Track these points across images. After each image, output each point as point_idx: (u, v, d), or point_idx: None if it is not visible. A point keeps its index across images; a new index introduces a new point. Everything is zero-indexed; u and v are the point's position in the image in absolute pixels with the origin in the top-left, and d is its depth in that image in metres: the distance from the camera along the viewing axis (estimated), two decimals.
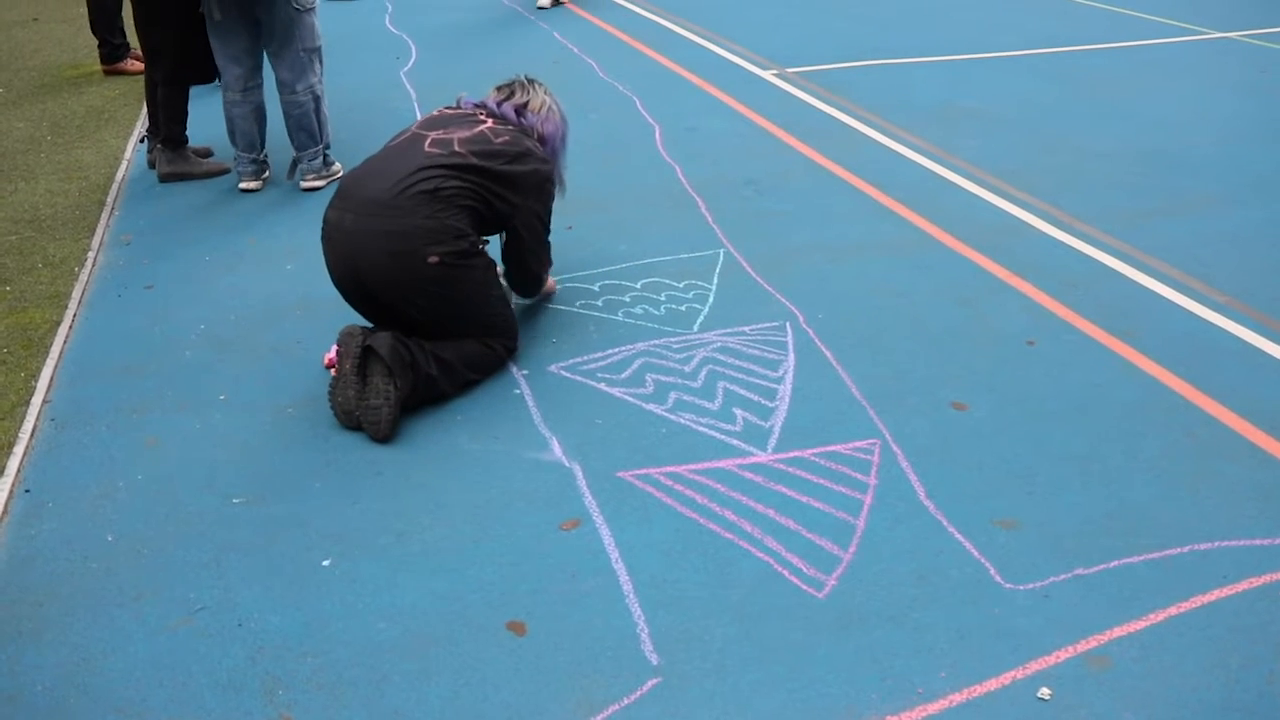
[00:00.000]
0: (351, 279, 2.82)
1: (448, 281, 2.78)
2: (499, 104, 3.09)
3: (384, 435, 2.64)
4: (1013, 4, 7.62)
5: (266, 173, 4.40)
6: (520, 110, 3.08)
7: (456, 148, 2.85)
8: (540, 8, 7.52)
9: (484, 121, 2.98)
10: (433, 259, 2.72)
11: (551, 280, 3.36)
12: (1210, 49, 6.32)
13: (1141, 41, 6.46)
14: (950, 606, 2.09)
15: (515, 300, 3.20)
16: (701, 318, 3.23)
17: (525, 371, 2.95)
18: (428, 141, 2.87)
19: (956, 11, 7.36)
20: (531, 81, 3.18)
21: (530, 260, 3.06)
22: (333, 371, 2.85)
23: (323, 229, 2.87)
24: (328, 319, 3.17)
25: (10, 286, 3.57)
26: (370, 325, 2.91)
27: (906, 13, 7.33)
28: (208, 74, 4.34)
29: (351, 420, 2.67)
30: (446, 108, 3.11)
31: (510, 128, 3.00)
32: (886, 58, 6.12)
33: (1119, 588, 2.14)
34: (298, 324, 3.24)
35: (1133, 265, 3.50)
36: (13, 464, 2.60)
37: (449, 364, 2.79)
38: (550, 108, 3.14)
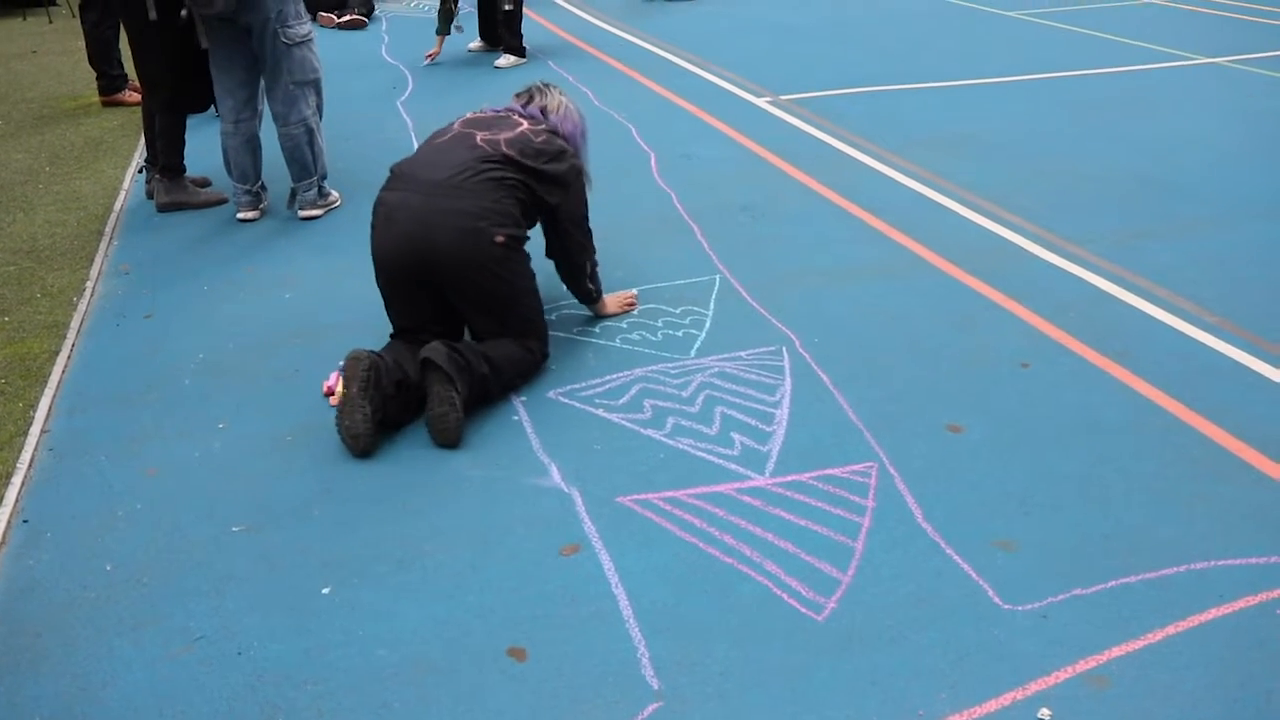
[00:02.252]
0: (414, 256, 2.87)
1: (508, 263, 2.91)
2: (524, 107, 3.23)
3: (453, 440, 2.70)
4: (1004, 32, 7.71)
5: (263, 203, 4.42)
6: (542, 112, 3.22)
7: (504, 148, 3.00)
8: (478, 53, 7.31)
9: (521, 123, 3.12)
10: (499, 238, 2.86)
11: (628, 295, 3.50)
12: (1197, 74, 6.38)
13: (1130, 67, 6.53)
14: (949, 628, 2.10)
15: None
16: (698, 343, 3.25)
17: (524, 398, 2.96)
18: (477, 138, 3.02)
19: (949, 40, 7.44)
20: (546, 85, 3.34)
21: (575, 252, 3.22)
22: (331, 400, 2.86)
23: (379, 211, 2.95)
24: (326, 347, 3.19)
25: (9, 317, 3.58)
26: (375, 345, 2.93)
27: (900, 41, 7.41)
28: (203, 103, 4.39)
29: (359, 444, 2.67)
30: (478, 112, 3.24)
31: (543, 128, 3.14)
32: (881, 84, 6.18)
33: (1117, 608, 2.14)
34: (296, 352, 3.25)
35: (1124, 287, 3.53)
36: (11, 494, 2.60)
37: (496, 364, 2.88)
38: (567, 107, 3.27)
